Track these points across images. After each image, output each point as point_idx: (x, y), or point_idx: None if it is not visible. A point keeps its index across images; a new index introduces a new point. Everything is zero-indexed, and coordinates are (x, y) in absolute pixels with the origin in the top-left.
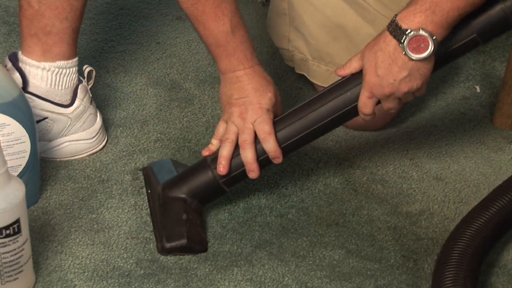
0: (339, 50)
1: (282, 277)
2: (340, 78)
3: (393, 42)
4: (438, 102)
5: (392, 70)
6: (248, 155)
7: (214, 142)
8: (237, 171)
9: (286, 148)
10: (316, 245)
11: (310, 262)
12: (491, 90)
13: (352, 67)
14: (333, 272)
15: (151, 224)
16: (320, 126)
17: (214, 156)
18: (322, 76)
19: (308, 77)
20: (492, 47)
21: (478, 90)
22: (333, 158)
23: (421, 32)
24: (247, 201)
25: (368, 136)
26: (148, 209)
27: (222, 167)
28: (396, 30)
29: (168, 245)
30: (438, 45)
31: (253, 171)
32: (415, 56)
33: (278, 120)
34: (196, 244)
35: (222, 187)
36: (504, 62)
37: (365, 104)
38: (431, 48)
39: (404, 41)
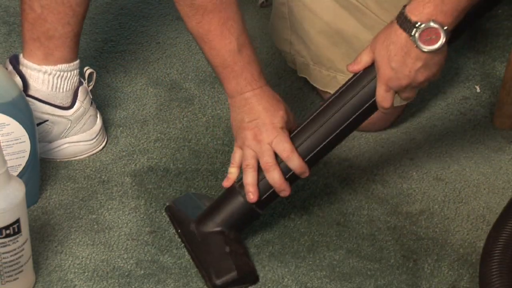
0: (339, 56)
1: (282, 278)
2: (352, 76)
3: (404, 35)
4: (438, 102)
5: (407, 62)
6: (275, 177)
7: (233, 171)
8: (267, 193)
9: (311, 160)
10: (317, 245)
11: (310, 262)
12: (491, 90)
13: (364, 61)
14: (333, 272)
15: (192, 263)
16: (341, 130)
17: (241, 183)
18: (323, 80)
19: (310, 81)
20: (492, 47)
21: (478, 90)
22: (333, 158)
23: (432, 24)
24: None
25: (368, 136)
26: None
27: (251, 194)
28: (405, 23)
29: (219, 281)
30: (450, 35)
31: (283, 190)
32: (427, 48)
33: (295, 134)
34: (247, 274)
35: (256, 211)
36: (504, 62)
37: (384, 98)
38: (442, 39)
39: (415, 34)
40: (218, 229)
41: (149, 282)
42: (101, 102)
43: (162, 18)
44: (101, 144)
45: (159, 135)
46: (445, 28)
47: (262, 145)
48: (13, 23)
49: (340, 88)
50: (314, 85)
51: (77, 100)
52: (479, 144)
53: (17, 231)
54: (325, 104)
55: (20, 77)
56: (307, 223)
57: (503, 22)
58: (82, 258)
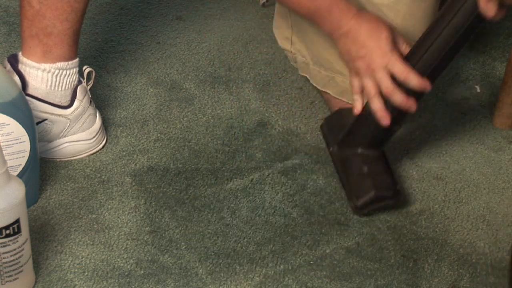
0: (337, 57)
1: (282, 277)
2: None
3: None
4: (438, 102)
5: None
6: (398, 99)
7: (357, 97)
8: (396, 111)
9: (431, 75)
10: (317, 244)
11: (311, 262)
12: (491, 90)
13: None
14: (333, 272)
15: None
16: (453, 44)
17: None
18: (323, 81)
19: (310, 80)
20: (492, 47)
21: (478, 90)
22: None
23: None
24: (251, 200)
25: None
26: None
27: (384, 119)
28: None
29: (359, 202)
30: None
31: (410, 107)
32: None
33: (409, 55)
34: (386, 191)
35: (392, 128)
36: (504, 62)
37: (487, 7)
38: None
39: None
40: (356, 150)
41: (149, 282)
42: (101, 102)
43: (162, 18)
44: (100, 143)
45: (159, 135)
46: None
47: (377, 73)
48: (13, 23)
49: (447, 2)
50: (314, 84)
51: (76, 99)
52: (479, 144)
53: (17, 231)
54: (434, 21)
55: (19, 76)
56: (308, 222)
57: (503, 22)
58: (82, 258)
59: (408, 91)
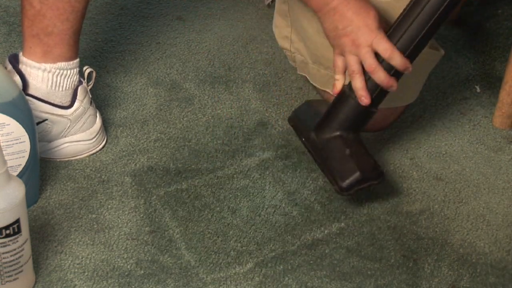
0: None
1: (282, 277)
2: None
3: None
4: (438, 102)
5: None
6: (381, 77)
7: (339, 77)
8: (376, 92)
9: (411, 54)
10: (317, 244)
11: (311, 262)
12: (491, 90)
13: None
14: (333, 271)
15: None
16: (435, 19)
17: (350, 86)
18: (322, 79)
19: (309, 79)
20: (492, 47)
21: (478, 90)
22: None
23: None
24: (251, 199)
25: (368, 136)
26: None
27: (364, 98)
28: None
29: (344, 183)
30: None
31: (391, 86)
32: None
33: (391, 33)
34: (370, 173)
35: (370, 110)
36: (504, 62)
37: None
38: None
39: None
40: (336, 133)
41: (149, 282)
42: (101, 102)
43: (162, 18)
44: (100, 144)
45: (159, 135)
46: None
47: (362, 49)
48: (13, 23)
49: None
50: (313, 84)
51: (76, 100)
52: (479, 144)
53: (17, 231)
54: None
55: (20, 76)
56: (308, 221)
57: (503, 22)
58: (82, 258)
59: (389, 70)
